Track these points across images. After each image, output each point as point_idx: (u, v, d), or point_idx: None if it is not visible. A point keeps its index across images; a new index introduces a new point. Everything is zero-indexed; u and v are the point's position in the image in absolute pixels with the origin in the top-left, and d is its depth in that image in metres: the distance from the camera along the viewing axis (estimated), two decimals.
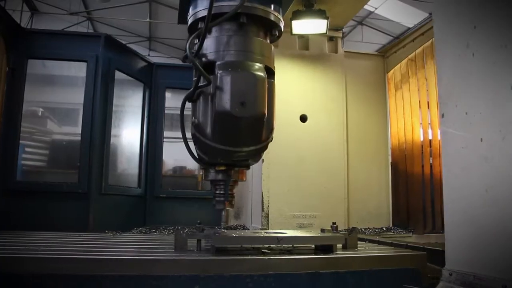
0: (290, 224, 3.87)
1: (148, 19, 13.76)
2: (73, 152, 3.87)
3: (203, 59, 1.93)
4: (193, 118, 1.96)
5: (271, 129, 2.01)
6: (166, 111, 4.66)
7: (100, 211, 3.64)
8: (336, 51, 4.31)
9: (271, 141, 2.05)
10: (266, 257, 1.68)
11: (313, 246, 1.99)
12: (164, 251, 1.90)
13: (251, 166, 2.22)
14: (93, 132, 3.73)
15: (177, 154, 6.30)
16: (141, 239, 2.44)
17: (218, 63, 1.88)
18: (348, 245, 2.04)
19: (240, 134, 1.88)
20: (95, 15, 13.66)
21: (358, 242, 2.19)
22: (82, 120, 3.75)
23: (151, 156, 4.43)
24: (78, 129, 3.84)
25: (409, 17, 12.62)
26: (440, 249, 1.99)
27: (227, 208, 2.18)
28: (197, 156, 2.12)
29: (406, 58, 4.12)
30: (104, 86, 3.86)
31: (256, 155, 2.04)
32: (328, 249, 1.87)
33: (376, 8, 12.90)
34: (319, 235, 1.96)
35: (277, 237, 1.80)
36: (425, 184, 3.80)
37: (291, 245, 1.91)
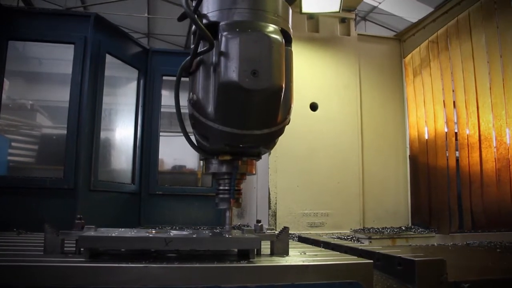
0: (300, 223, 3.51)
1: (146, 15, 13.39)
2: (61, 146, 3.50)
3: (204, 20, 1.55)
4: (191, 94, 1.57)
5: (288, 109, 1.62)
6: (163, 109, 4.28)
7: (88, 209, 3.26)
8: (348, 34, 3.95)
9: (288, 123, 1.66)
10: (144, 265, 1.29)
11: (236, 250, 1.59)
12: (35, 254, 1.51)
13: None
14: (80, 122, 3.35)
15: (175, 147, 5.96)
16: (38, 239, 1.99)
17: (222, 23, 1.50)
18: (275, 249, 1.65)
19: (250, 112, 1.49)
20: (92, 11, 13.26)
21: (300, 246, 1.81)
22: (69, 108, 3.37)
23: (147, 149, 4.05)
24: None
25: (413, 12, 12.29)
26: (408, 257, 1.59)
27: (233, 208, 1.81)
28: (196, 143, 1.74)
29: (427, 40, 3.74)
30: (93, 71, 3.47)
31: (270, 141, 1.65)
32: (247, 254, 1.48)
33: (380, 3, 12.60)
34: (226, 236, 1.52)
35: (164, 239, 1.40)
36: (450, 178, 3.42)
37: (204, 249, 1.51)
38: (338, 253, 1.85)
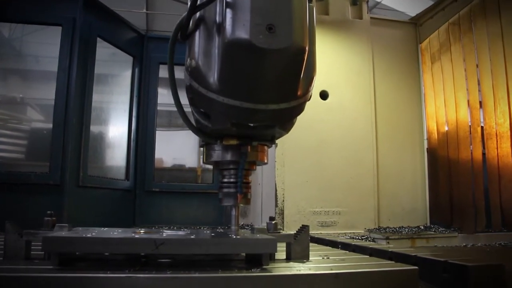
0: (310, 223, 3.19)
1: (144, 11, 13.08)
2: (49, 139, 3.19)
3: None
4: (188, 60, 1.26)
5: (310, 80, 1.31)
6: (161, 108, 3.97)
7: (76, 206, 2.96)
8: (360, 17, 3.65)
9: (309, 99, 1.35)
10: (127, 275, 0.99)
11: (244, 255, 1.29)
12: None
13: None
14: (68, 112, 3.04)
15: (173, 143, 5.65)
16: None
17: None
18: (293, 253, 1.35)
19: (264, 80, 1.18)
20: None
21: (317, 249, 1.54)
22: (55, 96, 3.06)
23: (142, 143, 3.74)
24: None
25: (414, 7, 12.06)
26: (457, 261, 1.30)
27: (240, 205, 1.49)
28: (194, 124, 1.43)
29: (447, 23, 3.44)
30: (82, 56, 3.17)
31: (287, 120, 1.34)
32: (258, 260, 1.18)
33: None
34: (233, 237, 1.22)
35: (154, 240, 1.09)
36: (474, 172, 3.11)
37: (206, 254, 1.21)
38: (367, 256, 1.54)
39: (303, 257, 1.36)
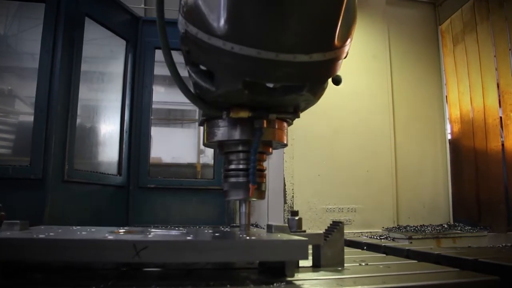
0: (323, 221, 2.88)
1: (143, 6, 12.78)
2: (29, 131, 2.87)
3: None
4: None
5: (349, 28, 0.98)
6: (159, 106, 3.63)
7: (61, 204, 2.63)
8: None
9: (346, 55, 1.02)
10: None
11: (257, 262, 0.97)
12: None
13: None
14: (51, 99, 2.71)
15: (171, 140, 5.34)
16: None
17: None
18: (323, 259, 1.03)
19: (291, 18, 0.85)
20: None
21: (348, 252, 1.25)
22: (37, 82, 2.74)
23: (136, 135, 3.41)
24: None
25: None
26: None
27: (252, 199, 1.17)
28: (192, 90, 1.10)
29: (471, 0, 3.11)
30: (68, 37, 2.84)
31: (319, 79, 1.00)
32: (279, 269, 0.87)
33: None
34: (247, 239, 0.89)
35: (134, 244, 0.77)
36: (507, 164, 2.79)
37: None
38: (415, 262, 1.21)
39: (337, 263, 1.03)
